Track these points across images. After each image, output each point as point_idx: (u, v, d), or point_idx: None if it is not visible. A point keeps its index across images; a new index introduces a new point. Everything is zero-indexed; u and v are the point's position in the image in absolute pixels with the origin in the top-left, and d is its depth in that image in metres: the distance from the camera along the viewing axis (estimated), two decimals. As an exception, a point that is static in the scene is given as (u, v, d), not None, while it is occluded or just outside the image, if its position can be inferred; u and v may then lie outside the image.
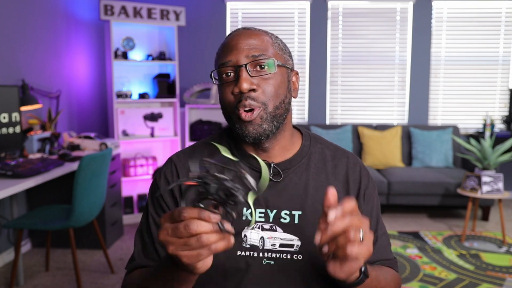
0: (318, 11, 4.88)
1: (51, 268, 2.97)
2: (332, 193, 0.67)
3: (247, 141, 0.87)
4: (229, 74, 0.87)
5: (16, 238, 2.53)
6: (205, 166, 0.63)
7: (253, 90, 0.85)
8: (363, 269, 0.74)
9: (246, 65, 0.85)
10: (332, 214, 0.65)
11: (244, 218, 0.88)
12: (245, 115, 0.85)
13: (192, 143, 4.19)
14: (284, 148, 0.94)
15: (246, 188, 0.61)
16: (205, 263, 0.65)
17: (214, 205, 0.63)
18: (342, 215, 0.65)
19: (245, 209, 0.88)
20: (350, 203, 0.67)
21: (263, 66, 0.86)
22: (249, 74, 0.85)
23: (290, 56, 0.94)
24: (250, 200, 0.60)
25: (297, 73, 0.95)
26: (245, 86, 0.84)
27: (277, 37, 0.93)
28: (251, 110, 0.85)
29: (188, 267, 0.64)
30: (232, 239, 0.63)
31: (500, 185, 3.43)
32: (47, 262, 2.92)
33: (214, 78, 0.90)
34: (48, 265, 2.93)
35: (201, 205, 0.62)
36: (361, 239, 0.65)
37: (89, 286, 2.71)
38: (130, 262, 0.97)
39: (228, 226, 0.62)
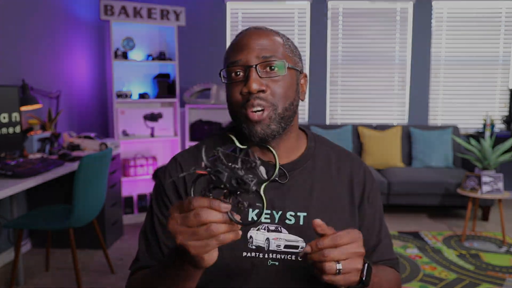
0: (318, 11, 4.88)
1: (51, 268, 2.97)
2: (318, 224, 0.70)
3: (254, 140, 0.87)
4: (238, 73, 0.86)
5: (16, 238, 2.53)
6: (218, 156, 0.63)
7: (262, 91, 0.85)
8: (364, 278, 0.74)
9: (256, 65, 0.84)
10: (307, 248, 0.70)
11: (250, 219, 0.88)
12: (253, 115, 0.84)
13: (192, 143, 4.20)
14: (290, 149, 0.94)
15: (258, 178, 0.60)
16: (212, 256, 0.64)
17: (224, 195, 0.62)
18: (320, 247, 0.68)
19: (250, 210, 0.88)
20: (338, 236, 0.69)
21: (273, 68, 0.86)
22: (258, 75, 0.85)
23: (300, 58, 0.94)
24: (262, 190, 0.60)
25: (305, 76, 0.95)
26: (254, 86, 0.83)
27: (288, 38, 0.93)
28: (261, 110, 0.85)
29: (194, 258, 0.63)
30: (240, 232, 0.62)
31: (500, 185, 3.43)
32: (47, 262, 2.92)
33: (223, 77, 0.89)
34: (48, 265, 2.93)
35: (211, 195, 0.62)
36: (338, 272, 0.68)
37: (89, 286, 2.71)
38: (134, 263, 0.96)
39: (237, 217, 0.62)
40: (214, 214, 0.60)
